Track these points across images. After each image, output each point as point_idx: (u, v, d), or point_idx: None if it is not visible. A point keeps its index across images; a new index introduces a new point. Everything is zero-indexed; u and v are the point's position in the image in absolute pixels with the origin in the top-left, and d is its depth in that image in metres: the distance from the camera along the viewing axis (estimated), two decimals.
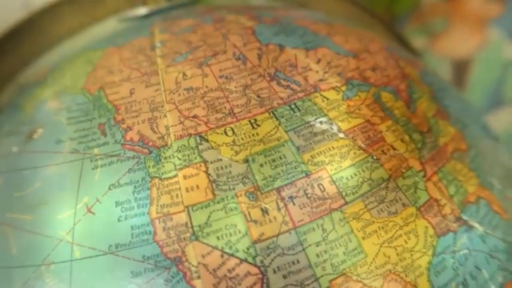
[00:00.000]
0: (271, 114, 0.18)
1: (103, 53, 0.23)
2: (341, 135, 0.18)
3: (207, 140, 0.17)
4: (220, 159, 0.17)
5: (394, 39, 0.34)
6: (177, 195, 0.16)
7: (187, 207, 0.16)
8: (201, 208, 0.16)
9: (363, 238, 0.16)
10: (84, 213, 0.17)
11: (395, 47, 0.26)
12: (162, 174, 0.17)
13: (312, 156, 0.17)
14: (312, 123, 0.18)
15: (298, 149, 0.17)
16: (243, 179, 0.17)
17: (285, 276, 0.15)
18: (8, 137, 0.21)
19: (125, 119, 0.18)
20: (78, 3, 0.28)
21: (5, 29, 0.27)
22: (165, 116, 0.18)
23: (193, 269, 0.15)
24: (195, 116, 0.18)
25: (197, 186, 0.16)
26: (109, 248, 0.16)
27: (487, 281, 0.18)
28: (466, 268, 0.17)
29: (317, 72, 0.20)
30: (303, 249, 0.16)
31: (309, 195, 0.17)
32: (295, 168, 0.17)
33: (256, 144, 0.17)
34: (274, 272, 0.15)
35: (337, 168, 0.17)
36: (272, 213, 0.16)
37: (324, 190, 0.17)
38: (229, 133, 0.18)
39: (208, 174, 0.17)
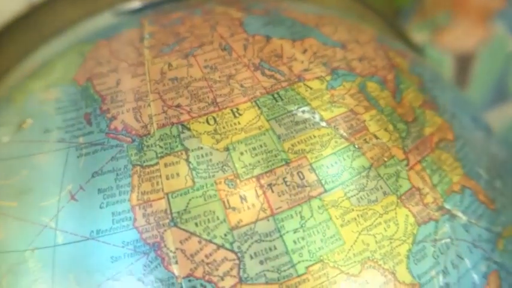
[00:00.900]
0: (253, 103, 0.18)
1: (94, 45, 0.23)
2: (323, 124, 0.18)
3: (189, 129, 0.18)
4: (201, 148, 0.17)
5: (395, 34, 0.34)
6: (157, 182, 0.17)
7: (167, 194, 0.16)
8: (181, 195, 0.16)
9: (341, 225, 0.16)
10: (68, 200, 0.17)
11: (387, 39, 0.26)
12: (144, 162, 0.17)
13: (292, 145, 0.17)
14: (294, 112, 0.18)
15: (279, 137, 0.17)
16: (222, 166, 0.17)
17: (261, 262, 0.15)
18: None
19: (110, 109, 0.19)
20: None
21: (2, 22, 0.27)
22: (149, 105, 0.18)
23: (171, 254, 0.15)
24: (178, 106, 0.18)
25: (177, 174, 0.17)
26: (90, 233, 0.16)
27: (469, 270, 0.18)
28: (448, 257, 0.17)
29: (302, 62, 0.20)
30: (280, 236, 0.16)
31: (288, 183, 0.17)
32: (275, 157, 0.17)
33: (237, 132, 0.17)
34: (251, 257, 0.15)
35: (318, 156, 0.17)
36: (250, 201, 0.16)
37: (304, 178, 0.17)
38: (211, 122, 0.18)
39: (188, 162, 0.17)
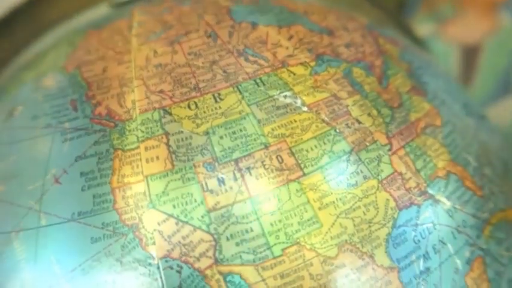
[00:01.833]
0: (235, 88, 0.18)
1: (85, 35, 0.23)
2: (304, 108, 0.18)
3: (170, 114, 0.18)
4: (182, 132, 0.17)
5: (398, 27, 0.34)
6: (137, 165, 0.17)
7: (146, 177, 0.16)
8: (160, 178, 0.16)
9: (319, 208, 0.16)
10: (52, 183, 0.17)
11: (378, 26, 0.26)
12: (125, 146, 0.17)
13: (272, 129, 0.17)
14: (275, 97, 0.18)
15: (259, 121, 0.18)
16: (202, 150, 0.17)
17: (237, 244, 0.15)
18: None
19: (96, 95, 0.19)
20: None
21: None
22: (133, 91, 0.19)
23: (148, 235, 0.16)
24: (161, 91, 0.19)
25: (157, 157, 0.17)
26: (72, 215, 0.16)
27: (452, 255, 0.17)
28: (429, 241, 0.17)
29: (287, 48, 0.20)
30: (257, 218, 0.16)
31: (266, 167, 0.17)
32: (255, 141, 0.17)
33: (217, 117, 0.18)
34: (227, 239, 0.16)
35: (298, 140, 0.17)
36: (228, 183, 0.16)
37: (282, 161, 0.17)
38: (192, 107, 0.18)
39: (168, 146, 0.17)
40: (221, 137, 0.17)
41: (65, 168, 0.17)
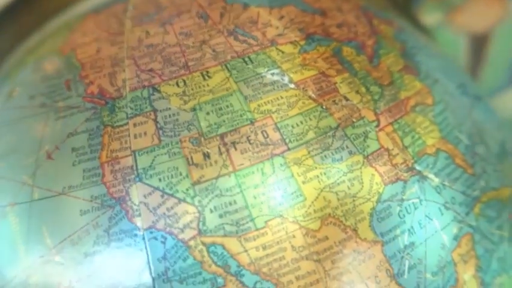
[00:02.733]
0: (223, 66, 0.19)
1: (83, 19, 0.24)
2: (291, 85, 0.18)
3: (159, 91, 0.18)
4: (169, 108, 0.18)
5: (404, 16, 0.34)
6: (126, 141, 0.17)
7: (134, 151, 0.17)
8: (147, 152, 0.17)
9: (303, 182, 0.16)
10: (44, 159, 0.18)
11: (374, 8, 0.25)
12: (115, 122, 0.18)
13: (258, 105, 0.18)
14: (263, 74, 0.18)
15: (245, 98, 0.18)
16: (188, 126, 0.17)
17: (221, 216, 0.16)
18: None
19: (89, 75, 0.19)
20: None
21: (2, 4, 0.29)
22: (124, 70, 0.19)
23: (135, 207, 0.16)
24: (151, 70, 0.19)
25: (145, 133, 0.17)
26: (63, 189, 0.17)
27: (438, 230, 0.17)
28: (415, 217, 0.17)
29: (277, 28, 0.20)
30: (241, 191, 0.16)
31: (251, 141, 0.17)
32: (241, 116, 0.17)
33: (205, 94, 0.18)
34: (211, 211, 0.16)
35: (283, 116, 0.17)
36: (213, 158, 0.17)
37: (267, 137, 0.17)
38: (181, 84, 0.18)
39: (156, 122, 0.17)
40: (208, 113, 0.17)
41: (57, 145, 0.18)
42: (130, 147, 0.17)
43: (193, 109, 0.17)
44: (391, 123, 0.18)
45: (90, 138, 0.18)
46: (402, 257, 0.16)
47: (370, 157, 0.17)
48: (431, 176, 0.18)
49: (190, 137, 0.17)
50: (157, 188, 0.16)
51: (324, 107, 0.18)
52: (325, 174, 0.17)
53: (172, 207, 0.16)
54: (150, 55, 0.19)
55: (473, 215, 0.19)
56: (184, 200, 0.16)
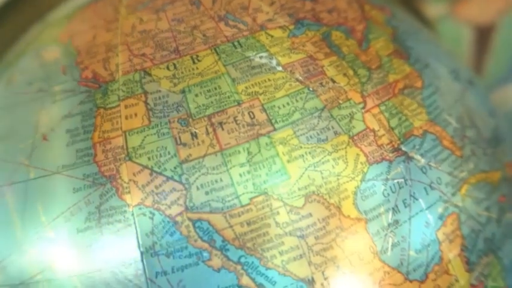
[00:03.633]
0: (213, 50, 0.19)
1: (82, 8, 0.25)
2: (279, 68, 0.19)
3: (150, 74, 0.19)
4: (159, 91, 0.18)
5: (407, 8, 0.34)
6: (117, 122, 0.18)
7: (124, 132, 0.17)
8: (137, 133, 0.17)
9: (288, 161, 0.17)
10: (40, 141, 0.18)
11: None
12: (107, 104, 0.18)
13: (246, 87, 0.18)
14: (251, 58, 0.19)
15: (233, 80, 0.18)
16: (177, 107, 0.18)
17: (207, 193, 0.16)
18: None
19: (84, 60, 0.20)
20: None
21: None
22: (117, 55, 0.20)
23: (124, 185, 0.17)
24: (143, 54, 0.19)
25: (135, 114, 0.18)
26: (57, 168, 0.18)
27: (423, 210, 0.18)
28: (399, 196, 0.17)
29: (267, 13, 0.21)
30: (227, 170, 0.16)
31: (238, 122, 0.17)
32: (228, 98, 0.18)
33: (194, 77, 0.18)
34: (198, 188, 0.16)
35: (270, 98, 0.18)
36: (201, 137, 0.17)
37: (254, 117, 0.17)
38: (171, 68, 0.19)
39: (146, 104, 0.18)
40: (196, 95, 0.18)
41: (52, 127, 0.19)
42: (121, 128, 0.18)
43: (183, 91, 0.18)
44: (377, 105, 0.19)
45: (84, 120, 0.18)
46: (386, 235, 0.17)
47: (355, 137, 0.18)
48: (417, 156, 0.18)
49: (179, 118, 0.17)
50: (146, 167, 0.17)
51: (311, 89, 0.18)
52: (310, 153, 0.17)
53: (160, 185, 0.16)
54: (143, 40, 0.20)
55: (459, 196, 0.19)
56: (172, 178, 0.16)
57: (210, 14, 0.21)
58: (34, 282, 0.17)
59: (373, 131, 0.18)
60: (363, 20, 0.22)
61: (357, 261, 0.16)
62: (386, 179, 0.17)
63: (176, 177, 0.16)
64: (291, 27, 0.20)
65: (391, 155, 0.18)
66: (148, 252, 0.16)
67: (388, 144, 0.18)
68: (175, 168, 0.17)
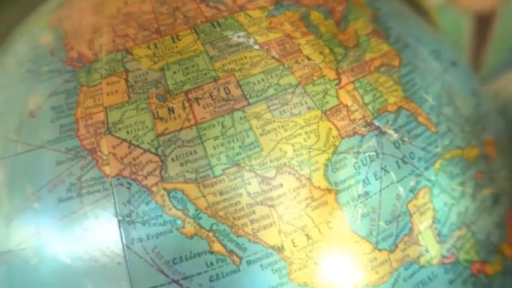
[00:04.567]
0: (192, 30, 0.20)
1: None
2: (256, 47, 0.19)
3: (131, 53, 0.19)
4: (140, 69, 0.19)
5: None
6: (99, 98, 0.18)
7: (105, 108, 0.18)
8: (117, 108, 0.18)
9: (261, 134, 0.17)
10: (28, 118, 0.19)
11: None
12: (90, 82, 0.19)
13: (223, 65, 0.19)
14: (229, 37, 0.19)
15: (211, 58, 0.19)
16: (156, 84, 0.18)
17: (182, 164, 0.17)
18: None
19: (70, 42, 0.21)
20: None
21: None
22: (101, 36, 0.20)
23: (104, 157, 0.17)
24: (126, 35, 0.20)
25: (116, 91, 0.18)
26: (42, 143, 0.18)
27: (394, 182, 0.18)
28: (370, 168, 0.18)
29: None
30: (201, 142, 0.17)
31: (214, 97, 0.18)
32: (205, 75, 0.18)
33: (173, 55, 0.19)
34: (173, 160, 0.17)
35: (246, 74, 0.18)
36: (177, 112, 0.18)
37: (229, 93, 0.18)
38: (152, 47, 0.19)
39: (127, 81, 0.19)
40: (174, 72, 0.18)
41: (39, 105, 0.19)
42: (102, 104, 0.18)
43: (162, 69, 0.19)
44: (352, 82, 0.19)
45: (68, 97, 0.19)
46: (355, 205, 0.17)
47: (328, 112, 0.18)
48: (390, 131, 0.19)
49: (157, 94, 0.18)
50: (125, 140, 0.17)
51: (286, 66, 0.19)
52: (282, 127, 0.18)
53: (138, 157, 0.17)
54: (126, 22, 0.21)
55: (433, 170, 0.19)
56: (148, 150, 0.17)
57: None
58: (20, 249, 0.18)
59: (347, 106, 0.19)
60: (344, 1, 0.22)
61: (326, 230, 0.17)
62: (358, 152, 0.18)
63: (153, 150, 0.17)
64: (271, 8, 0.21)
65: (363, 129, 0.18)
66: (125, 220, 0.16)
67: (361, 119, 0.18)
68: (152, 141, 0.17)
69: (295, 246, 0.16)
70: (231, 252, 0.16)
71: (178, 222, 0.16)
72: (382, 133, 0.19)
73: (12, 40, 0.27)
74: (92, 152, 0.18)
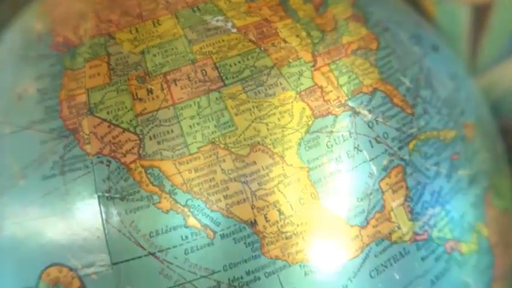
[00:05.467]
0: (173, 15, 0.20)
1: None
2: (234, 30, 0.20)
3: (114, 38, 0.20)
4: (121, 52, 0.19)
5: None
6: (82, 81, 0.19)
7: (87, 89, 0.19)
8: (98, 90, 0.19)
9: (236, 114, 0.18)
10: (15, 100, 0.20)
11: None
12: (74, 66, 0.20)
13: (201, 48, 0.19)
14: (208, 21, 0.20)
15: (190, 42, 0.19)
16: (136, 66, 0.19)
17: (159, 143, 0.17)
18: None
19: (57, 28, 0.22)
20: None
21: None
22: (86, 22, 0.21)
23: (85, 136, 0.18)
24: (109, 20, 0.21)
25: (98, 74, 0.19)
26: (28, 124, 0.19)
27: (367, 161, 0.18)
28: (343, 147, 0.18)
29: None
30: (178, 122, 0.18)
31: (191, 79, 0.18)
32: (183, 57, 0.19)
33: (154, 39, 0.20)
34: (150, 139, 0.18)
35: (223, 57, 0.19)
36: (156, 93, 0.18)
37: (206, 74, 0.18)
38: (133, 31, 0.20)
39: (109, 64, 0.19)
40: (154, 55, 0.19)
41: (26, 88, 0.20)
42: (85, 86, 0.19)
43: (142, 52, 0.19)
44: (327, 64, 0.20)
45: (53, 80, 0.20)
46: (327, 183, 0.18)
47: (302, 93, 0.19)
48: (364, 112, 0.19)
49: (137, 76, 0.19)
50: (105, 120, 0.18)
51: (262, 48, 0.19)
52: (257, 107, 0.18)
53: (117, 136, 0.18)
54: (110, 8, 0.21)
55: (406, 150, 0.19)
56: (127, 130, 0.18)
57: None
58: (9, 224, 0.18)
59: (321, 87, 0.19)
60: None
61: (297, 206, 0.17)
62: (331, 132, 0.18)
63: (131, 129, 0.18)
64: None
65: (337, 109, 0.19)
66: (104, 196, 0.17)
67: (335, 99, 0.19)
68: (131, 120, 0.18)
69: (267, 221, 0.17)
70: (205, 226, 0.17)
71: (155, 197, 0.17)
72: (356, 113, 0.19)
73: (7, 30, 0.28)
74: (75, 131, 0.18)
